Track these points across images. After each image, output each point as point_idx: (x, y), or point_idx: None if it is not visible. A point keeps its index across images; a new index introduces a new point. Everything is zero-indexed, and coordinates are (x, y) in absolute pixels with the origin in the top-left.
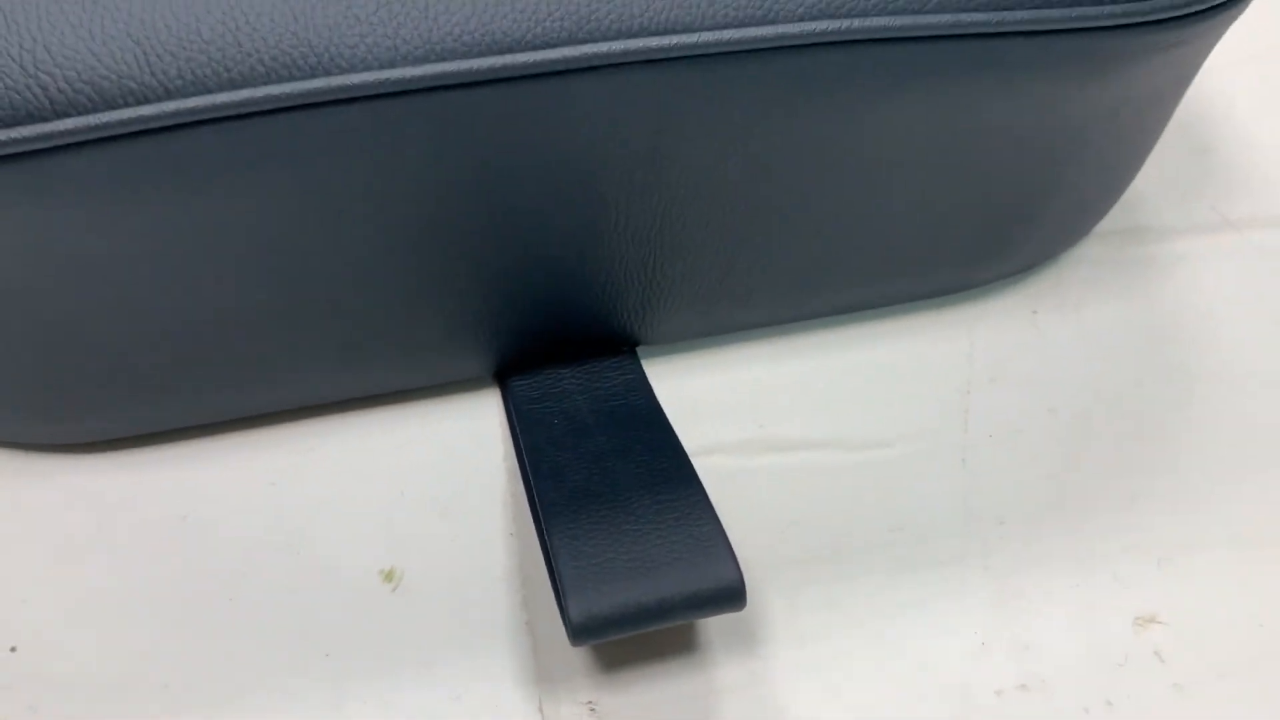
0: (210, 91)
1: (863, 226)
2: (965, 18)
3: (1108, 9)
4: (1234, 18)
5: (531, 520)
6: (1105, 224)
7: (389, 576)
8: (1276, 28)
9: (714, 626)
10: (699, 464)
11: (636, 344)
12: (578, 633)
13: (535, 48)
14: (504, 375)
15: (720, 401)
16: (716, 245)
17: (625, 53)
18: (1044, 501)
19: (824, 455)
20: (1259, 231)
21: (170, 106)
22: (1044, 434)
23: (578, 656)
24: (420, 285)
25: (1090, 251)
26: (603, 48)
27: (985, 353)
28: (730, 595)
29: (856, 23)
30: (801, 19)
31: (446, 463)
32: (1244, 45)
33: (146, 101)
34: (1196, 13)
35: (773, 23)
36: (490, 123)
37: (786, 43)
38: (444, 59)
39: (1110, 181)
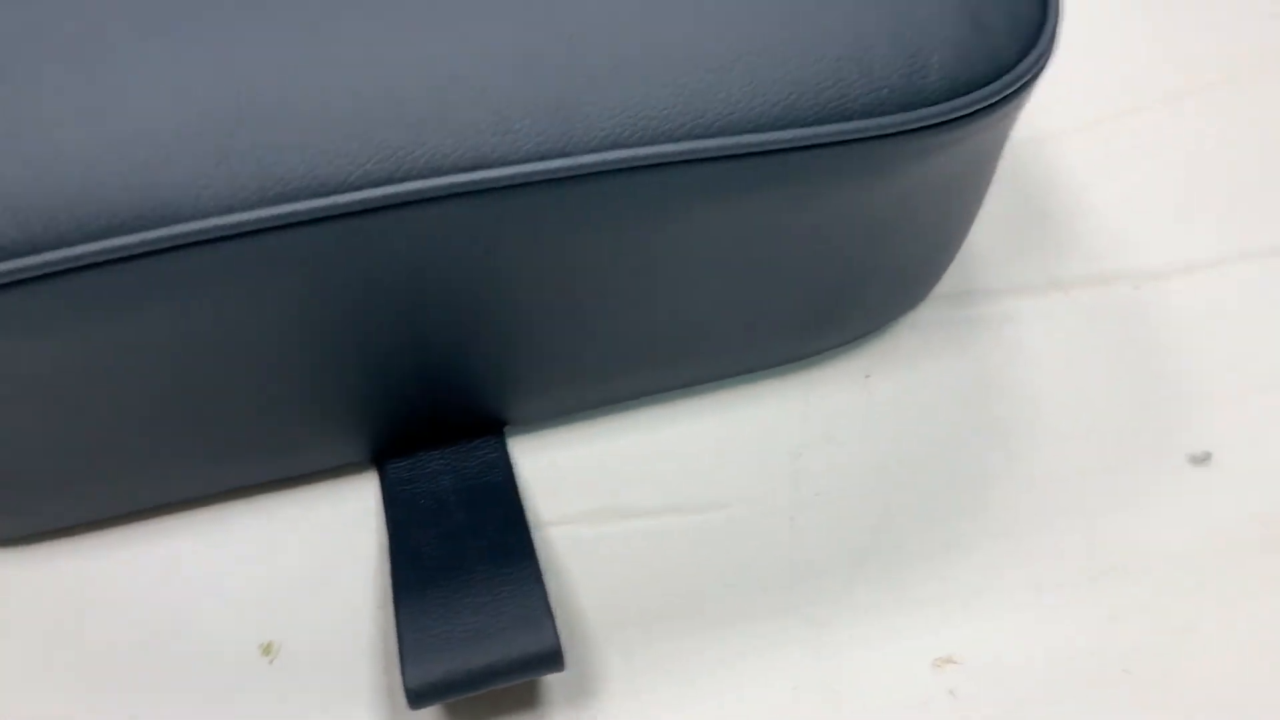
0: (73, 244)
1: (692, 316)
2: (745, 139)
3: (878, 121)
4: (1018, 108)
5: None
6: (942, 287)
7: (267, 650)
8: (1108, 96)
9: (557, 683)
10: (556, 532)
11: (505, 424)
12: (413, 698)
13: (357, 188)
14: (381, 459)
15: (579, 473)
16: (560, 341)
17: (437, 188)
18: (862, 553)
19: (667, 520)
20: (1084, 291)
21: (37, 260)
22: (868, 490)
23: (433, 716)
24: (295, 393)
25: (925, 315)
26: (417, 185)
27: (819, 416)
28: (549, 659)
29: (643, 150)
30: (595, 149)
31: (327, 543)
32: (1079, 112)
33: (17, 256)
34: (969, 114)
35: (569, 154)
36: (328, 254)
37: (584, 171)
38: (276, 203)
39: (931, 255)
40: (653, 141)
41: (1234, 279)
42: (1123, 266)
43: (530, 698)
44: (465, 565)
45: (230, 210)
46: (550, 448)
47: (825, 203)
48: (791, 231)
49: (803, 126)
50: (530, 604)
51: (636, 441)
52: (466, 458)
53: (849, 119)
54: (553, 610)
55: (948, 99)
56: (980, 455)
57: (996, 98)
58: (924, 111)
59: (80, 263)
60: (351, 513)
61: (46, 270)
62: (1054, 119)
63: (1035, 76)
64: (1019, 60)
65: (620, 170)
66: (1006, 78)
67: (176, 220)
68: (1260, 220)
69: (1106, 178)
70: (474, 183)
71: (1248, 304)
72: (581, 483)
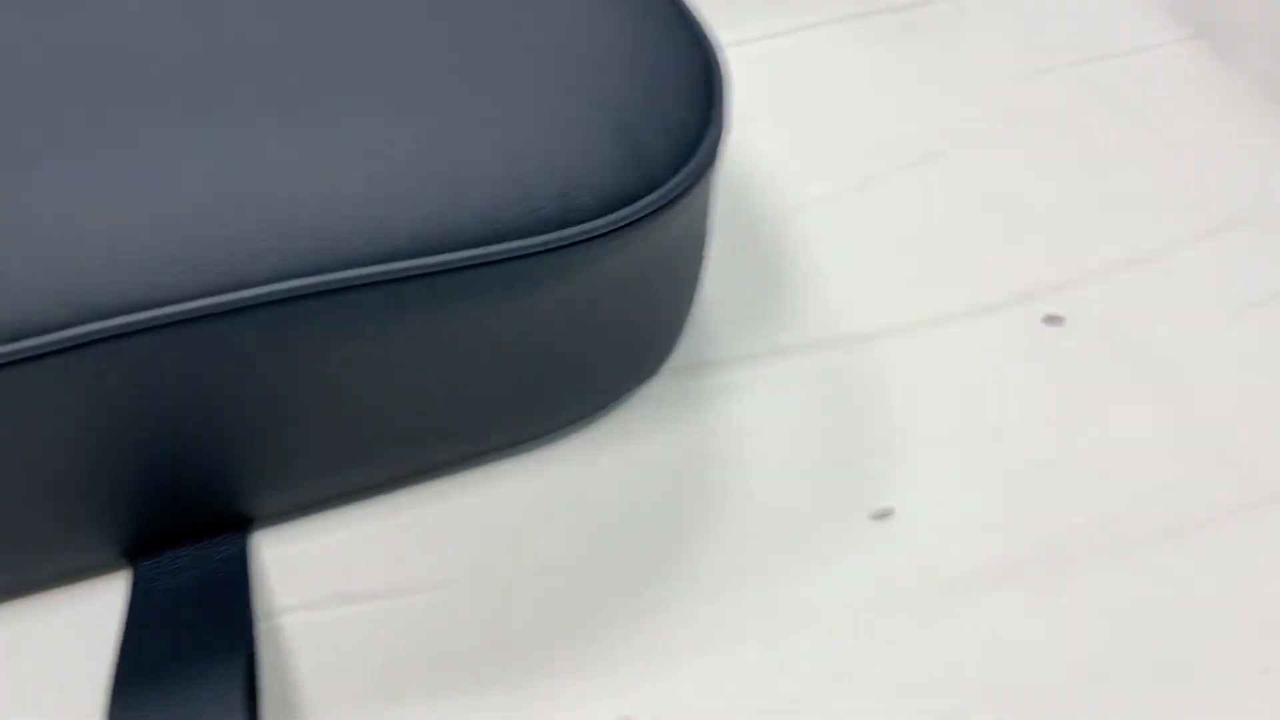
0: None
1: (414, 414)
2: (408, 263)
3: (533, 240)
4: (690, 207)
5: None
6: (676, 359)
7: None
8: (852, 166)
9: None
10: (289, 620)
11: (251, 519)
12: None
13: (46, 331)
14: (135, 558)
15: (317, 560)
16: (287, 445)
17: (115, 326)
18: (567, 622)
19: (395, 601)
20: (803, 356)
21: None
22: (581, 562)
23: None
24: (40, 506)
25: (658, 388)
26: (97, 325)
27: (546, 492)
28: None
29: (320, 278)
30: (269, 280)
31: (78, 639)
32: (823, 183)
33: None
34: (623, 227)
35: (244, 287)
36: (39, 386)
37: (260, 300)
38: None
39: (648, 338)
40: (327, 270)
41: (939, 339)
42: (841, 331)
43: None
44: (181, 659)
45: None
46: (293, 538)
47: (507, 310)
48: (488, 335)
49: (465, 249)
50: (229, 695)
51: (374, 527)
52: (209, 554)
53: (506, 239)
54: (259, 697)
55: (599, 216)
56: (686, 523)
57: (650, 209)
58: (575, 229)
59: None
60: (105, 610)
61: None
62: (798, 191)
63: (692, 186)
64: (674, 173)
65: (300, 296)
66: (659, 192)
67: None
68: (969, 281)
69: (842, 245)
70: (154, 319)
71: (948, 363)
72: (318, 570)
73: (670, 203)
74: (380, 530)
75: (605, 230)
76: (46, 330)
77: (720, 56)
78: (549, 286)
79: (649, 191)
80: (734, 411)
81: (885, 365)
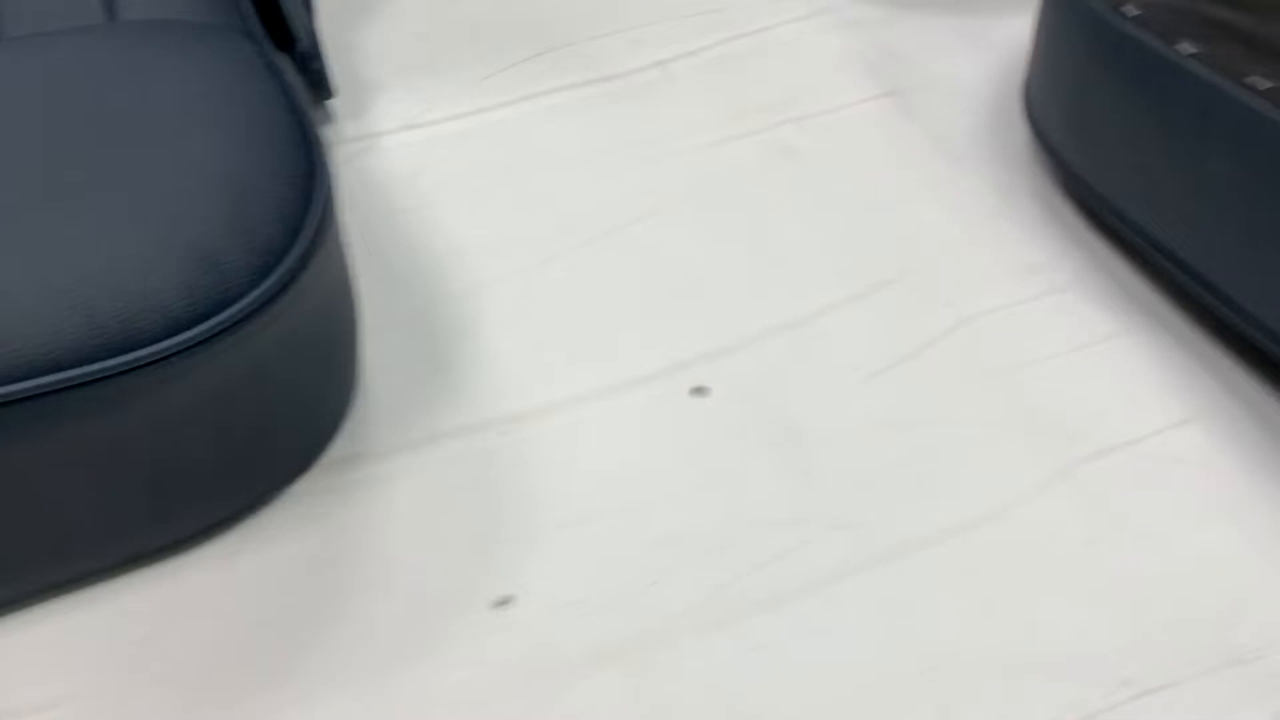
0: None
1: (22, 534)
2: None
3: (98, 365)
4: (297, 302)
5: None
6: (333, 452)
7: None
8: (533, 245)
9: None
10: None
11: None
12: None
13: None
14: None
15: None
16: None
17: None
18: None
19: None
20: (457, 441)
21: None
22: (202, 670)
23: None
24: None
25: (308, 484)
26: None
27: (176, 601)
28: None
29: None
30: None
31: None
32: (504, 262)
33: None
34: (198, 344)
35: None
36: None
37: None
38: None
39: (288, 434)
40: None
41: (590, 415)
42: (498, 412)
43: None
44: None
45: None
46: None
47: (91, 433)
48: (78, 458)
49: (19, 380)
50: None
51: (28, 639)
52: None
53: (64, 368)
54: None
55: (167, 336)
56: (311, 623)
57: (229, 323)
58: (141, 352)
59: None
60: None
61: None
62: (480, 271)
63: (279, 294)
64: (255, 286)
65: None
66: (236, 306)
67: None
68: (628, 355)
69: (514, 324)
70: None
71: (594, 439)
72: None
73: (253, 314)
74: (34, 641)
75: (176, 350)
76: None
77: (326, 161)
78: (133, 407)
79: (226, 307)
80: (380, 504)
81: (535, 445)
